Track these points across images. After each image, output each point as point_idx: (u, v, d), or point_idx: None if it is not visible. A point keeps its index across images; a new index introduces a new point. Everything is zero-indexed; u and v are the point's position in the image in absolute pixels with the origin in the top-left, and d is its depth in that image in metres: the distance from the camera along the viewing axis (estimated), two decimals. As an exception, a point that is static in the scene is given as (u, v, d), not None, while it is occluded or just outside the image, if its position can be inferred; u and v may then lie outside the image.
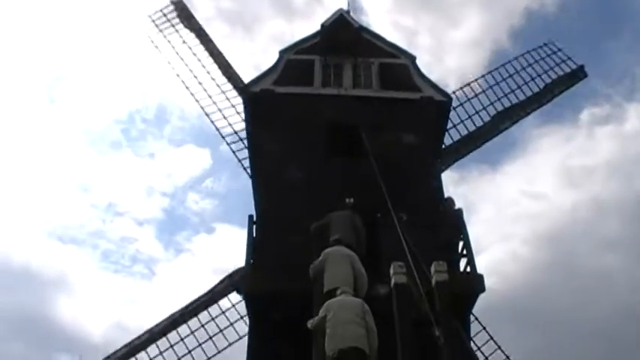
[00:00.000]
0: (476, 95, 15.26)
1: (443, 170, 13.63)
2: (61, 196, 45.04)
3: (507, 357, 11.94)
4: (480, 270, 10.08)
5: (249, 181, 13.54)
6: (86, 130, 49.78)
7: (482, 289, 10.06)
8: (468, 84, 15.51)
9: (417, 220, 9.88)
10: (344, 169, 11.57)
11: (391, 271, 6.85)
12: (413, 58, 14.34)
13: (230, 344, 12.41)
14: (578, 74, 15.87)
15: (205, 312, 12.69)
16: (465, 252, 10.42)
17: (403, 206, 9.63)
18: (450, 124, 14.39)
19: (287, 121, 12.52)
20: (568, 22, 42.89)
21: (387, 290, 7.03)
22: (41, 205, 42.41)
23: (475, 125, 14.87)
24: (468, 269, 10.19)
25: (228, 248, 41.77)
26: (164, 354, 12.60)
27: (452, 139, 14.69)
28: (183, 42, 15.92)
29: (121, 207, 44.79)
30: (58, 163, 45.99)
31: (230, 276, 12.49)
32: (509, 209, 38.98)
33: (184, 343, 12.61)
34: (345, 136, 11.91)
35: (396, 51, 14.59)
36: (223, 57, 15.72)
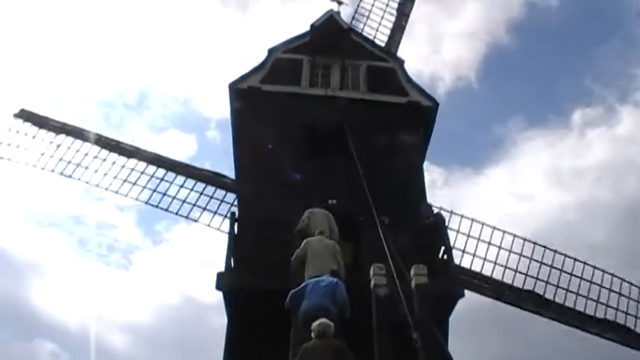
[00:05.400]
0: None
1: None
2: (39, 177, 44.04)
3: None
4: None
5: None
6: (67, 112, 48.60)
7: (462, 294, 10.10)
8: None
9: (399, 223, 9.89)
10: (328, 169, 11.55)
11: (371, 273, 6.86)
12: (401, 62, 14.39)
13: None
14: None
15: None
16: (445, 256, 10.46)
17: (386, 209, 9.63)
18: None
19: (273, 119, 12.49)
20: (566, 18, 42.79)
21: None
22: (18, 187, 41.52)
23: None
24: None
25: (208, 239, 41.36)
26: None
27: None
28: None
29: (102, 191, 44.09)
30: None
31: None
32: (493, 212, 38.85)
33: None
34: (330, 136, 11.89)
35: (384, 54, 14.65)
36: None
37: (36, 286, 43.86)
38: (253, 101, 12.98)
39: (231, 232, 10.52)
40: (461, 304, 10.21)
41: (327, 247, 8.52)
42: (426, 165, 14.09)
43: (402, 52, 15.59)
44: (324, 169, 11.60)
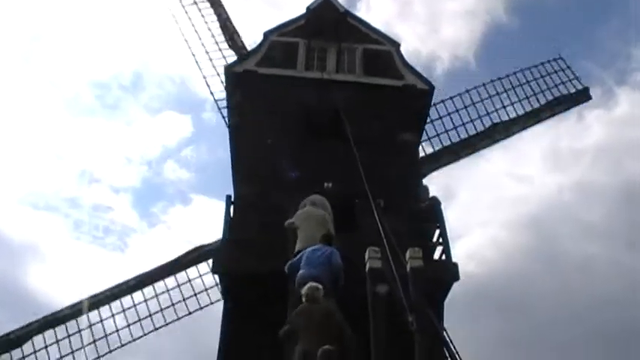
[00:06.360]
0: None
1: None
2: (35, 159, 43.89)
3: None
4: (459, 255, 10.11)
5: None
6: (62, 94, 48.06)
7: (457, 278, 10.15)
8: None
9: (395, 206, 9.91)
10: (324, 152, 11.54)
11: (366, 256, 6.87)
12: (397, 46, 14.32)
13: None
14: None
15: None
16: (440, 240, 10.48)
17: (381, 192, 9.64)
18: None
19: (269, 102, 12.46)
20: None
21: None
22: (13, 169, 41.19)
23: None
24: (444, 257, 10.27)
25: (204, 221, 41.22)
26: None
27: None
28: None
29: (97, 173, 43.81)
30: (33, 126, 44.71)
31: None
32: (489, 194, 38.75)
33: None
34: (326, 119, 11.88)
35: (381, 37, 14.55)
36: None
37: (32, 268, 43.63)
38: (249, 84, 12.94)
39: (226, 216, 10.51)
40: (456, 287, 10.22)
41: (317, 216, 8.71)
42: (422, 147, 14.13)
43: (399, 33, 15.47)
44: (321, 152, 11.60)
